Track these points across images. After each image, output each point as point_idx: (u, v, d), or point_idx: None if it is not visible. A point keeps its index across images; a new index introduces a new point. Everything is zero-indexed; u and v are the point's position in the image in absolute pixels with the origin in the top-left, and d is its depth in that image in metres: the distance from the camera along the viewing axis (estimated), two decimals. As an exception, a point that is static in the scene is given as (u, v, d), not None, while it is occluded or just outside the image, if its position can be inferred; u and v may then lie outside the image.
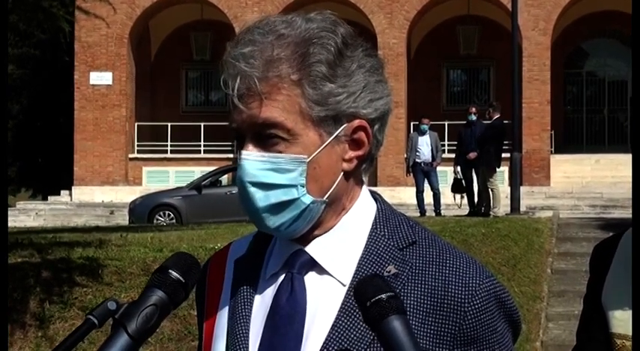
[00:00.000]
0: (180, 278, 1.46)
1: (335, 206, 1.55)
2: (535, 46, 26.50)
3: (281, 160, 1.49)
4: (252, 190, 1.50)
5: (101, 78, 27.60)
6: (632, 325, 2.08)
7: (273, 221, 1.51)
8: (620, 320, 2.12)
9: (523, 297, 11.15)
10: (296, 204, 1.50)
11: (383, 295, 1.38)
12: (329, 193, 1.52)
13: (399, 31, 26.95)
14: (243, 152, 1.51)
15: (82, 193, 26.84)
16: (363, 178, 1.60)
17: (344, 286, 1.52)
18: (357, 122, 1.53)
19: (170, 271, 1.46)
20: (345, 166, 1.54)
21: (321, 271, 1.54)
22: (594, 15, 28.14)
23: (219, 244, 9.94)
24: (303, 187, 1.50)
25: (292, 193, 1.50)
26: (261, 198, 1.50)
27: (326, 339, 1.49)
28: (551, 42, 26.71)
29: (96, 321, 1.43)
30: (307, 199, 1.51)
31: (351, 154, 1.54)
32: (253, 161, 1.50)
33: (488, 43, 28.76)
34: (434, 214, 17.98)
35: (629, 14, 25.75)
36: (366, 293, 1.40)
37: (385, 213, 1.58)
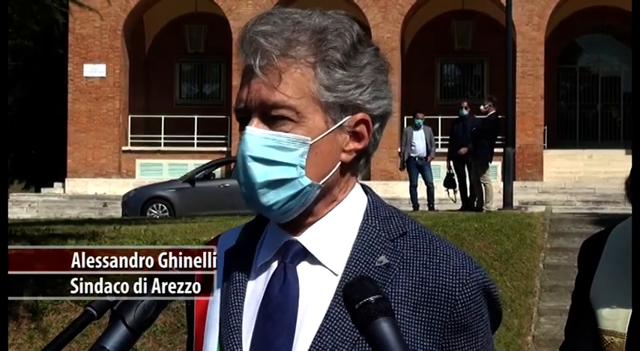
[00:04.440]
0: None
1: (327, 196, 1.58)
2: (529, 42, 26.50)
3: (284, 139, 1.53)
4: (253, 164, 1.53)
5: (95, 70, 27.54)
6: (629, 323, 2.09)
7: (268, 198, 1.54)
8: (609, 317, 2.13)
9: (515, 291, 11.18)
10: (293, 184, 1.53)
11: (371, 298, 1.41)
12: (325, 179, 1.56)
13: (393, 25, 26.94)
14: (248, 127, 1.54)
15: (75, 185, 26.80)
16: (358, 175, 1.63)
17: (336, 275, 1.54)
18: (360, 115, 1.57)
19: None
20: (344, 156, 1.57)
21: (314, 261, 1.56)
22: (588, 10, 28.15)
23: (212, 237, 9.94)
24: (303, 168, 1.53)
25: (291, 173, 1.53)
26: (261, 174, 1.53)
27: (319, 329, 1.51)
28: (545, 37, 26.72)
29: (95, 312, 1.45)
30: (305, 181, 1.54)
31: (351, 146, 1.58)
32: (257, 137, 1.53)
33: (483, 38, 28.75)
34: (427, 209, 18.00)
35: (623, 10, 25.74)
36: (354, 296, 1.43)
37: (376, 204, 1.61)
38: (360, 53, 1.57)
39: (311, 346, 1.50)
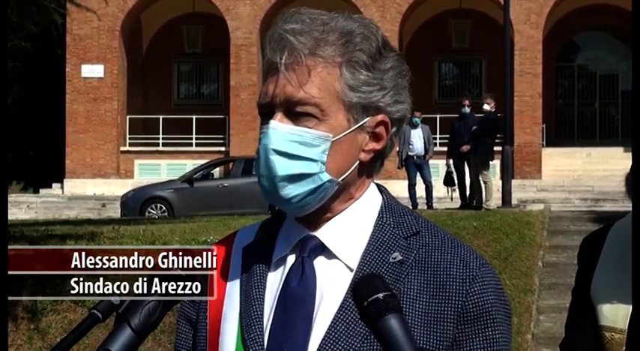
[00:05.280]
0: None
1: (344, 194, 1.63)
2: (527, 40, 26.51)
3: (308, 135, 1.58)
4: (276, 157, 1.57)
5: (93, 71, 27.53)
6: (630, 319, 2.09)
7: (288, 192, 1.58)
8: (609, 313, 2.13)
9: (514, 290, 11.18)
10: (313, 178, 1.58)
11: (380, 295, 1.43)
12: (344, 176, 1.61)
13: (391, 24, 26.94)
14: (272, 122, 1.58)
15: (73, 185, 26.79)
16: (374, 177, 1.68)
17: (351, 270, 1.60)
18: (380, 117, 1.63)
19: None
20: (363, 156, 1.63)
21: (330, 255, 1.62)
22: (586, 8, 28.16)
23: (211, 237, 9.94)
24: (324, 164, 1.59)
25: (313, 168, 1.58)
26: (283, 167, 1.57)
27: (334, 318, 1.56)
28: (543, 35, 26.73)
29: (100, 315, 1.45)
30: (325, 176, 1.59)
31: (370, 146, 1.63)
32: (281, 131, 1.58)
33: (481, 37, 28.76)
34: (426, 207, 17.99)
35: (621, 8, 25.77)
36: (363, 292, 1.44)
37: (390, 204, 1.67)
38: (384, 57, 1.62)
39: (325, 335, 1.55)
